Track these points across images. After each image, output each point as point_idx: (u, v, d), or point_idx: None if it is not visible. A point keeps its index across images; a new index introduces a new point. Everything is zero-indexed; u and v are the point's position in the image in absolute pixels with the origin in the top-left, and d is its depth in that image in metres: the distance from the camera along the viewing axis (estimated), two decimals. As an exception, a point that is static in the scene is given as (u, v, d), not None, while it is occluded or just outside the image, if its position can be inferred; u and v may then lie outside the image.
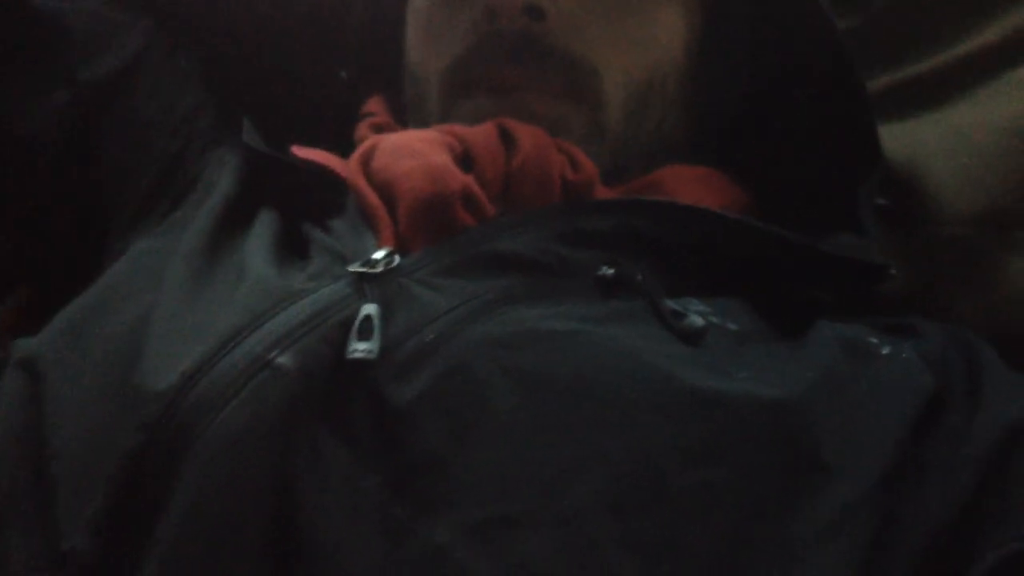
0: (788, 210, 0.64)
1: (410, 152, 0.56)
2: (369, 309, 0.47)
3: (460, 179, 0.55)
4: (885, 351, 0.53)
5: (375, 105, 0.71)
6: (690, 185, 0.63)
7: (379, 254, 0.51)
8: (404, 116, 0.69)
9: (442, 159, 0.55)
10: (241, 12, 0.76)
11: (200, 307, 0.50)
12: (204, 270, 0.54)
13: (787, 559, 0.44)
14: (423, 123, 0.64)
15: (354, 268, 0.50)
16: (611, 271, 0.53)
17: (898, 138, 0.68)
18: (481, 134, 0.58)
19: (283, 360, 0.44)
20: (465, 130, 0.58)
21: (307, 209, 0.58)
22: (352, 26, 0.75)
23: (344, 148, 0.64)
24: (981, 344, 0.56)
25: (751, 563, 0.44)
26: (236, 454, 0.42)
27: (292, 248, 0.56)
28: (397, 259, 0.51)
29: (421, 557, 0.41)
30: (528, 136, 0.58)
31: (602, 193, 0.59)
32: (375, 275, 0.49)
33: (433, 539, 0.42)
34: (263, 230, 0.57)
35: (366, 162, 0.59)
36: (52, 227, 0.71)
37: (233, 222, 0.59)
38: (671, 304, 0.52)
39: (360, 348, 0.45)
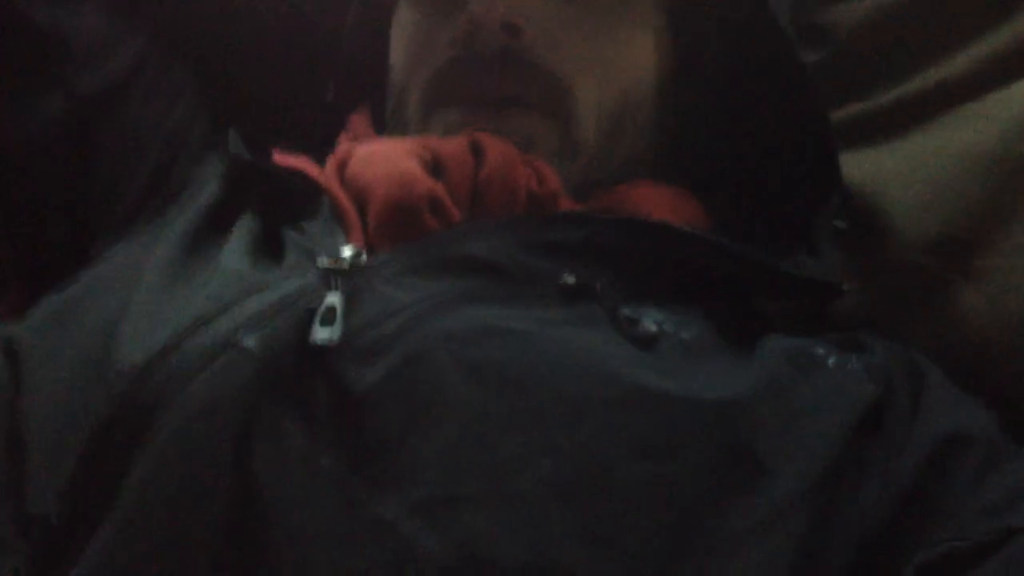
0: (750, 230, 0.66)
1: (382, 159, 0.59)
2: (333, 299, 0.49)
3: (427, 185, 0.57)
4: (831, 362, 0.56)
5: (358, 119, 0.73)
6: (655, 202, 0.65)
7: (347, 251, 0.53)
8: (384, 129, 0.71)
9: (411, 166, 0.58)
10: (234, 29, 0.79)
11: (175, 297, 0.53)
12: (182, 266, 0.56)
13: (724, 551, 0.46)
14: (402, 133, 0.67)
15: (322, 263, 0.52)
16: (572, 279, 0.55)
17: (859, 166, 0.70)
18: (451, 145, 0.60)
19: (248, 342, 0.47)
20: (437, 141, 0.61)
21: (285, 213, 0.61)
22: (340, 44, 0.77)
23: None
24: (926, 362, 0.58)
25: (691, 552, 0.46)
26: (198, 426, 0.44)
27: (269, 249, 0.58)
28: (364, 257, 0.53)
29: (371, 530, 0.44)
30: (496, 149, 0.60)
31: (568, 207, 0.62)
32: (342, 269, 0.51)
33: (383, 514, 0.44)
34: (242, 232, 0.59)
35: (341, 168, 0.62)
36: (45, 231, 0.73)
37: (215, 225, 0.61)
38: (627, 311, 0.55)
39: (322, 334, 0.47)
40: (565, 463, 0.46)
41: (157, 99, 0.75)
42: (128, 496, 0.43)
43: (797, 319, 0.64)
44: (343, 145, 0.67)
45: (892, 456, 0.51)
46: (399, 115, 0.69)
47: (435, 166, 0.59)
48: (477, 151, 0.60)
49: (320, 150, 0.68)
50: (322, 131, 0.73)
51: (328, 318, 0.48)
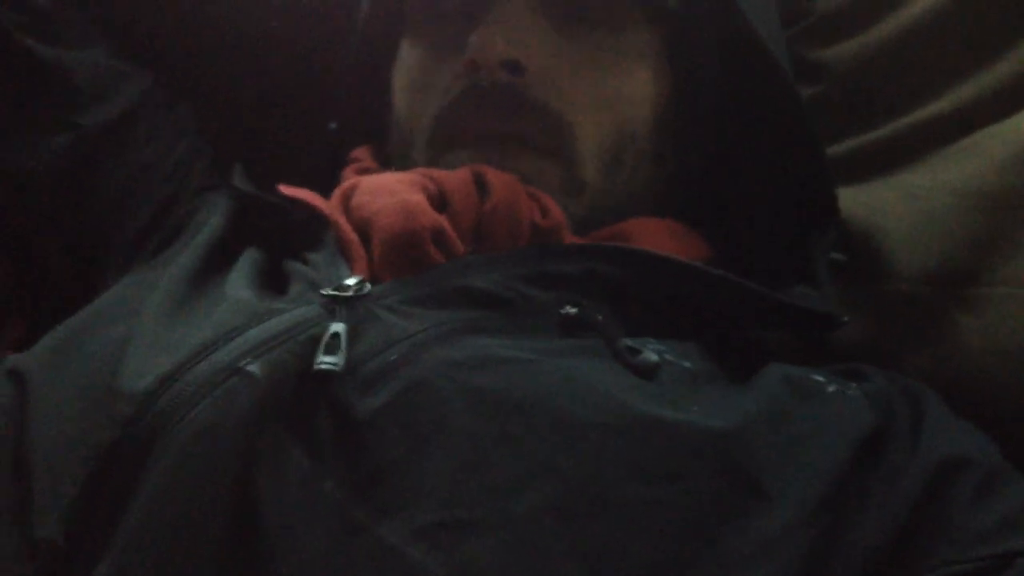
0: (748, 261, 0.67)
1: (387, 191, 0.60)
2: (337, 327, 0.50)
3: (432, 217, 0.58)
4: (830, 389, 0.56)
5: (361, 153, 0.74)
6: (655, 235, 0.66)
7: (351, 280, 0.53)
8: (389, 165, 0.72)
9: (416, 198, 0.58)
10: (237, 67, 0.80)
11: (179, 326, 0.53)
12: (186, 297, 0.57)
13: (724, 575, 0.46)
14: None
15: (326, 292, 0.52)
16: (573, 311, 0.56)
17: (856, 199, 0.71)
18: (456, 178, 0.61)
19: (252, 368, 0.47)
20: (442, 173, 0.61)
21: (290, 246, 0.61)
22: (342, 80, 0.78)
23: (330, 194, 0.66)
24: (925, 390, 0.58)
25: None
26: (201, 450, 0.45)
27: (273, 282, 0.59)
28: (368, 287, 0.54)
29: (374, 554, 0.44)
30: (501, 182, 0.61)
31: (570, 240, 0.62)
32: (345, 298, 0.52)
33: (386, 538, 0.44)
34: (246, 265, 0.60)
35: (346, 200, 0.62)
36: (47, 263, 0.75)
37: (219, 258, 0.62)
38: (628, 342, 0.55)
39: (326, 361, 0.48)
40: (565, 486, 0.46)
41: (160, 137, 0.76)
42: (132, 520, 0.44)
43: (795, 350, 0.65)
44: (348, 177, 0.68)
45: (892, 482, 0.51)
46: (404, 153, 0.70)
47: (440, 198, 0.60)
48: (481, 184, 0.61)
49: (323, 184, 0.68)
50: (325, 165, 0.74)
51: (332, 346, 0.49)
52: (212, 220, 0.66)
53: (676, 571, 0.46)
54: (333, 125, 0.79)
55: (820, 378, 0.57)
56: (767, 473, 0.49)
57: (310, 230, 0.61)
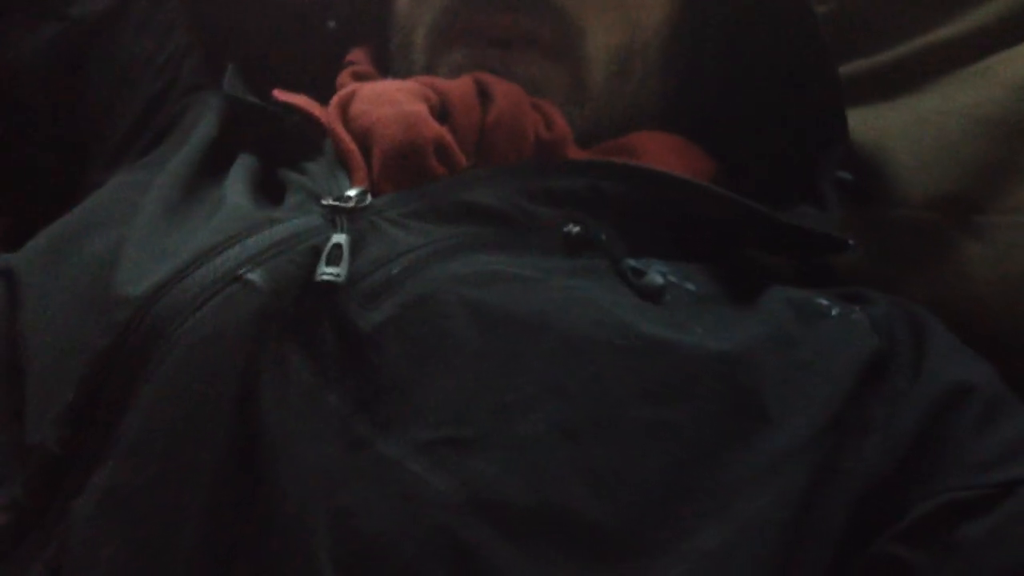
0: (753, 179, 0.66)
1: (388, 100, 0.58)
2: (339, 238, 0.49)
3: (434, 128, 0.56)
4: (834, 312, 0.55)
5: (358, 55, 0.72)
6: (660, 151, 0.64)
7: (352, 191, 0.52)
8: (387, 68, 0.70)
9: (418, 108, 0.57)
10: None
11: (176, 231, 0.52)
12: (181, 201, 0.56)
13: (726, 496, 0.46)
14: (407, 74, 0.65)
15: (327, 202, 0.51)
16: (576, 229, 0.55)
17: (865, 122, 0.70)
18: (458, 87, 0.59)
19: (253, 276, 0.46)
20: (443, 82, 0.60)
21: (285, 153, 0.60)
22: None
23: (327, 97, 0.64)
24: (929, 316, 0.58)
25: (693, 497, 0.46)
26: (201, 359, 0.44)
27: (268, 190, 0.57)
28: (369, 198, 0.52)
29: (375, 467, 0.43)
30: (504, 92, 0.59)
31: (575, 154, 0.61)
32: (347, 209, 0.51)
33: (388, 453, 0.43)
34: (241, 171, 0.58)
35: (344, 108, 0.60)
36: (34, 159, 0.73)
37: (212, 162, 0.60)
38: (632, 263, 0.54)
39: (328, 271, 0.47)
40: (570, 406, 0.46)
41: (149, 32, 0.74)
42: (130, 427, 0.43)
43: (799, 272, 0.64)
44: (347, 84, 0.66)
45: (895, 407, 0.51)
46: (405, 54, 0.68)
47: (441, 109, 0.58)
48: (484, 94, 0.59)
49: (320, 84, 0.66)
50: (322, 64, 0.72)
51: (334, 256, 0.48)
52: (205, 121, 0.64)
53: (680, 492, 0.46)
54: (332, 23, 0.76)
55: (824, 301, 0.56)
56: (771, 396, 0.49)
57: (306, 138, 0.60)
